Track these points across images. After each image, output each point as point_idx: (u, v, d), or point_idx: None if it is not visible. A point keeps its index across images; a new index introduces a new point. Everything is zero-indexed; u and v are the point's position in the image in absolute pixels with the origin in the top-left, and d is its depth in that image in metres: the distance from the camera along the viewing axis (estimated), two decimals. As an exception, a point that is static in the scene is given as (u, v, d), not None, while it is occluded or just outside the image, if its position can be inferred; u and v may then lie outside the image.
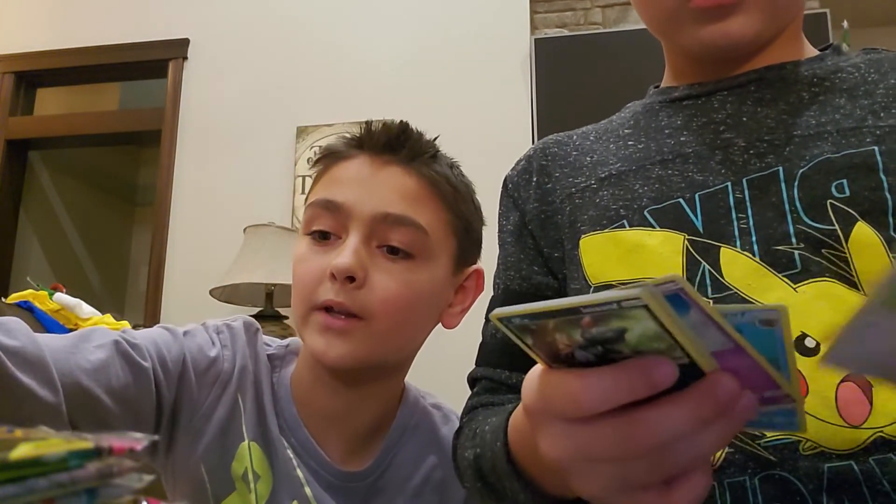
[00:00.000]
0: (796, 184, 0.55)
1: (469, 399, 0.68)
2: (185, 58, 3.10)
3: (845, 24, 2.63)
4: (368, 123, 0.75)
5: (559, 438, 0.35)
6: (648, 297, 0.28)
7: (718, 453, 0.51)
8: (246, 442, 0.73)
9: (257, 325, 0.80)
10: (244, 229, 2.62)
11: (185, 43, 3.11)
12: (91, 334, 0.67)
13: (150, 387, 0.69)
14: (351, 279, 0.68)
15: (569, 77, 2.67)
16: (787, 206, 0.54)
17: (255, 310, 2.58)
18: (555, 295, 0.67)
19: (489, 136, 2.65)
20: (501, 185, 0.74)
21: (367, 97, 2.86)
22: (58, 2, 3.31)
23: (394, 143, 0.73)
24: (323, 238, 0.72)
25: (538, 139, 2.79)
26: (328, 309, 0.69)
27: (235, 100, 2.99)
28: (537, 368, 0.36)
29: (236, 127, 2.97)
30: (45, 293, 2.15)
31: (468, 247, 0.78)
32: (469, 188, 0.79)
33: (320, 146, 0.75)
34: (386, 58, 2.91)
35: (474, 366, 0.70)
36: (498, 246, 0.73)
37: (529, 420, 0.39)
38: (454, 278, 0.77)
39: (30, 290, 2.15)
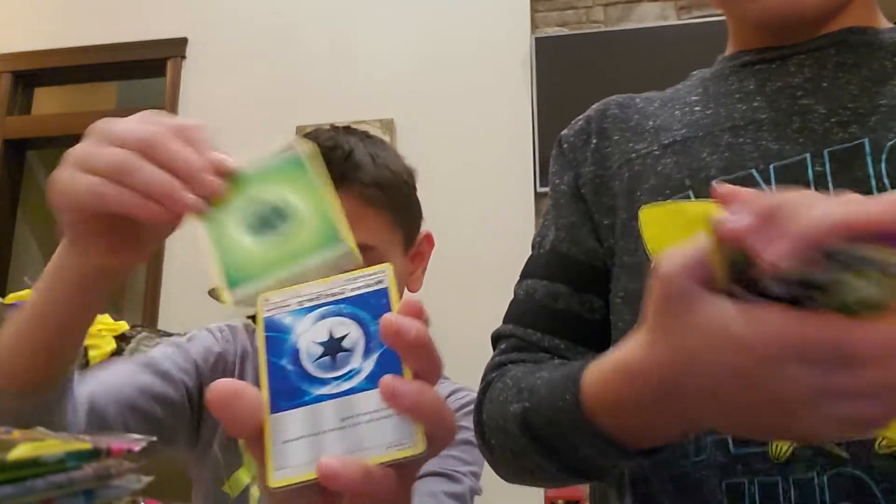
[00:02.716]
0: (884, 157, 0.50)
1: (496, 356, 0.63)
2: (184, 57, 3.10)
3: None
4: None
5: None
6: None
7: (786, 448, 0.48)
8: None
9: (255, 326, 0.89)
10: (243, 229, 2.61)
11: (183, 42, 3.10)
12: (116, 366, 0.78)
13: (183, 390, 0.79)
14: None
15: (570, 76, 2.67)
16: (873, 183, 0.50)
17: (255, 310, 2.58)
18: (601, 264, 0.62)
19: (489, 135, 2.65)
20: (556, 144, 0.71)
21: (366, 97, 2.86)
22: (56, 1, 3.30)
23: None
24: None
25: (538, 138, 2.79)
26: None
27: (234, 99, 2.99)
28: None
29: (235, 126, 2.94)
30: (44, 293, 2.14)
31: (413, 225, 0.84)
32: (394, 169, 0.80)
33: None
34: (386, 57, 2.91)
35: (502, 322, 0.65)
36: (551, 204, 0.68)
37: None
38: (408, 253, 0.84)
39: (28, 291, 2.14)
